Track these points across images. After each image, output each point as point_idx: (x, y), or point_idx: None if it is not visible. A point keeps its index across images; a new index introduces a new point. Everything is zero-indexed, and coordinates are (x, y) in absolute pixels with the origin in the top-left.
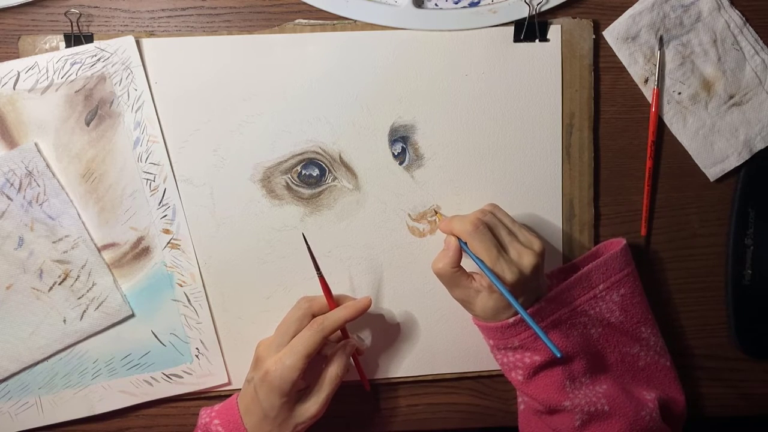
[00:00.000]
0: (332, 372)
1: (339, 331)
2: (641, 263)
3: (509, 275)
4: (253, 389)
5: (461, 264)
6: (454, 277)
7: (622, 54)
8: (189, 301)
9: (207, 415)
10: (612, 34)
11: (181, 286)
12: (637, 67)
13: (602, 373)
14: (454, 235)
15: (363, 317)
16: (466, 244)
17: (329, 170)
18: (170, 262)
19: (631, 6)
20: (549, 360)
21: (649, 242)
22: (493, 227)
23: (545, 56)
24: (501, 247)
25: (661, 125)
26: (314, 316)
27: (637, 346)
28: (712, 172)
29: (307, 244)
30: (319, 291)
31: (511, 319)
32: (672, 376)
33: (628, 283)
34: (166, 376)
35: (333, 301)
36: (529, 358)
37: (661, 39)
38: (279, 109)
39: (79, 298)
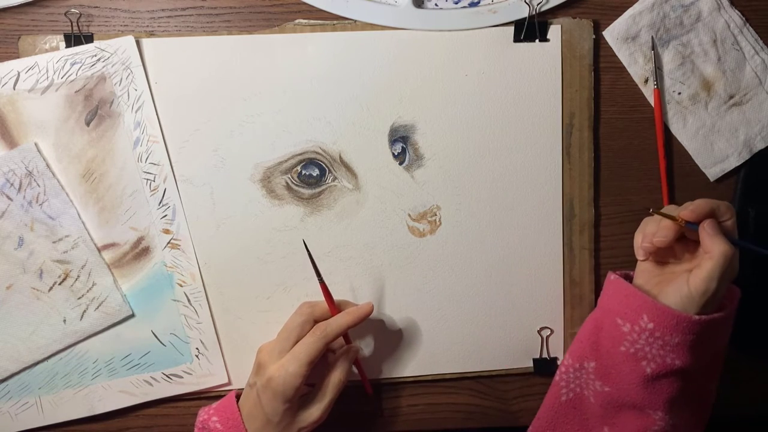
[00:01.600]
0: (335, 378)
1: (341, 337)
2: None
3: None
4: (256, 395)
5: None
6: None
7: (622, 54)
8: (189, 301)
9: (205, 412)
10: (612, 34)
11: (181, 286)
12: (637, 67)
13: (696, 406)
14: (697, 216)
15: None
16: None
17: (329, 170)
18: (170, 262)
19: (631, 6)
20: (682, 369)
21: None
22: None
23: (545, 56)
24: None
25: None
26: (316, 321)
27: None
28: (712, 172)
29: (308, 250)
30: (319, 291)
31: (700, 317)
32: None
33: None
34: (166, 376)
35: (335, 307)
36: (671, 360)
37: (653, 39)
38: (279, 109)
39: (79, 298)
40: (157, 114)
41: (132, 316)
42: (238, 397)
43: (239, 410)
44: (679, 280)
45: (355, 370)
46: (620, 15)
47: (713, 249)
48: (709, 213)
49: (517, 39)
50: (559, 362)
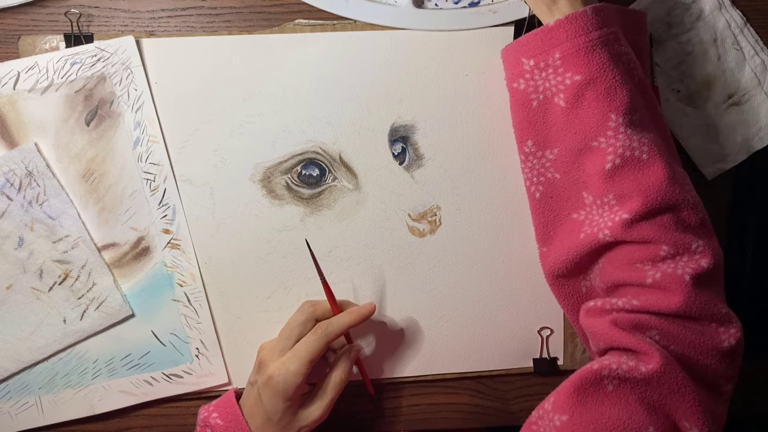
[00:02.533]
0: (336, 377)
1: (342, 337)
2: None
3: None
4: (257, 393)
5: None
6: None
7: None
8: (189, 301)
9: (205, 410)
10: None
11: (181, 286)
12: None
13: (648, 123)
14: None
15: None
16: None
17: (329, 170)
18: (170, 262)
19: (631, 5)
20: (590, 79)
21: None
22: None
23: None
24: None
25: None
26: (318, 320)
27: (658, 112)
28: (709, 172)
29: (310, 250)
30: (319, 291)
31: (553, 22)
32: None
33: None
34: (166, 376)
35: (337, 307)
36: (570, 78)
37: (650, 36)
38: (279, 109)
39: (79, 298)
40: (157, 114)
41: (132, 316)
42: (237, 394)
43: (239, 407)
44: None
45: (356, 369)
46: None
47: None
48: None
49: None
50: (559, 362)
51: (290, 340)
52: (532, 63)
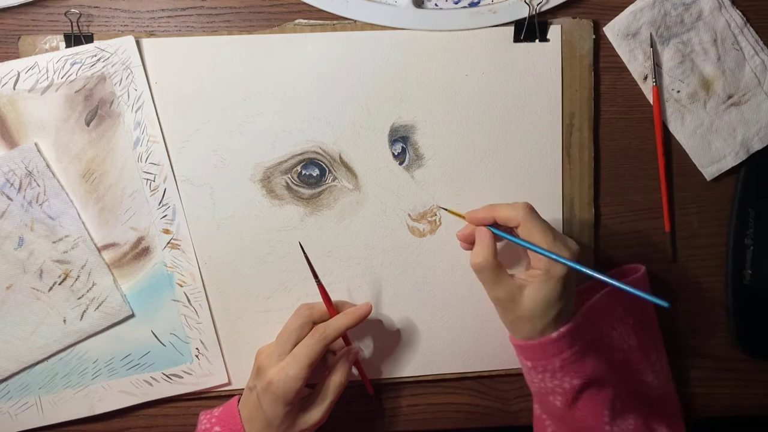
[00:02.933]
0: (335, 380)
1: (340, 338)
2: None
3: (567, 252)
4: (256, 398)
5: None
6: (497, 271)
7: (622, 50)
8: (189, 301)
9: (207, 420)
10: (612, 30)
11: (181, 286)
12: (636, 63)
13: (629, 404)
14: (487, 224)
15: None
16: (505, 232)
17: (329, 170)
18: (170, 262)
19: (630, 5)
20: (588, 382)
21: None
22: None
23: (545, 56)
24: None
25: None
26: (315, 323)
27: (651, 374)
28: (709, 172)
29: (304, 252)
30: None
31: (555, 334)
32: (676, 404)
33: (641, 307)
34: (166, 376)
35: (333, 308)
36: (569, 383)
37: (651, 36)
38: (279, 109)
39: (79, 298)
40: (157, 114)
41: (132, 316)
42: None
43: (240, 417)
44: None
45: (355, 371)
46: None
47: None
48: (488, 220)
49: (517, 39)
50: None
51: (288, 344)
52: (528, 364)
